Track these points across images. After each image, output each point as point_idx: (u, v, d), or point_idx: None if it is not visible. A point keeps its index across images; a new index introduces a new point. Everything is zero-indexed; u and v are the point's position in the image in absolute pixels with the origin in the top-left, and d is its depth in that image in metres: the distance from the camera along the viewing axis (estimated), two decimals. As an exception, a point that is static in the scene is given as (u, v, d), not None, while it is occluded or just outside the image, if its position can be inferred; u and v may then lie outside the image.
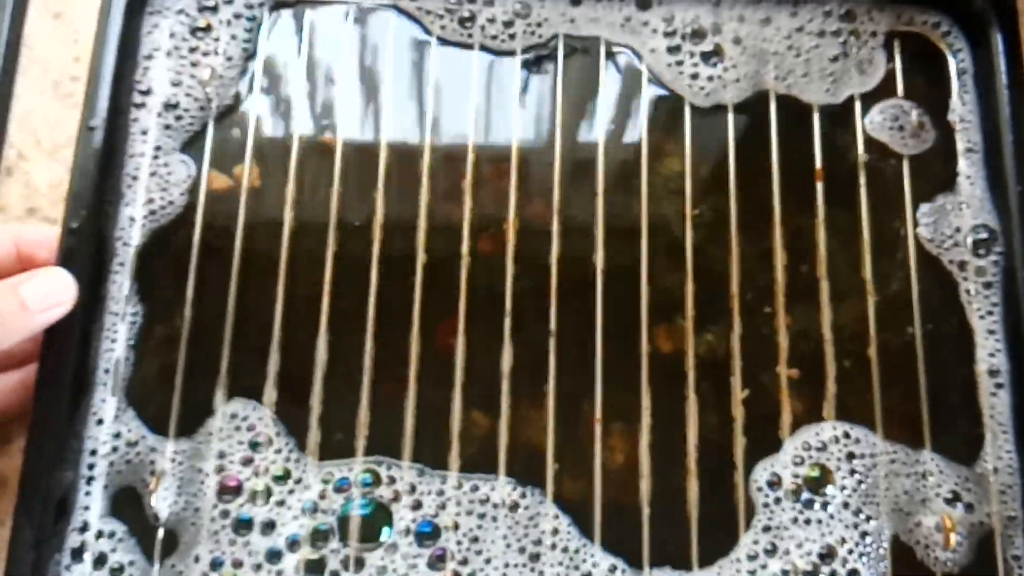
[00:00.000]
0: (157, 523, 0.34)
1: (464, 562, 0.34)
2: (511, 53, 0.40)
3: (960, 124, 0.40)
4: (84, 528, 0.34)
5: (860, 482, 0.35)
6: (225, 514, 0.34)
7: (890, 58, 0.41)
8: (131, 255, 0.37)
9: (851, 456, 0.36)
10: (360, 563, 0.34)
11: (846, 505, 0.35)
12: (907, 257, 0.38)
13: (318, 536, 0.34)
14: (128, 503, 0.35)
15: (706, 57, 0.40)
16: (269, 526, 0.34)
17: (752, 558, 0.35)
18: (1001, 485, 0.36)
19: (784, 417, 0.36)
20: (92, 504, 0.34)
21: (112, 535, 0.34)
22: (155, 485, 0.35)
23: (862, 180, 0.39)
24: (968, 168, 0.39)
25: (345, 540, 0.34)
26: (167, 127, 0.38)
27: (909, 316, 0.37)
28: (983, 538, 0.35)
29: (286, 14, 0.40)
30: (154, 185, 0.38)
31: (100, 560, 0.34)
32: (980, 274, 0.38)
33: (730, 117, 0.40)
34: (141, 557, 0.34)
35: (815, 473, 0.35)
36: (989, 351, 0.37)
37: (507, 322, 0.37)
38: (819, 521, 0.35)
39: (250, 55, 0.40)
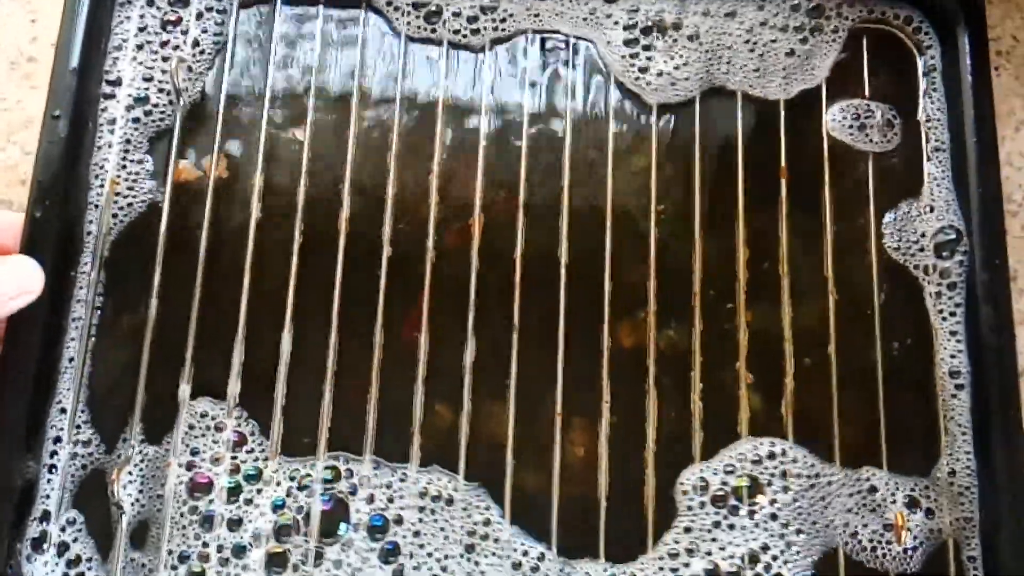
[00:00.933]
0: (120, 513, 0.34)
1: (411, 556, 0.34)
2: (478, 48, 0.40)
3: (927, 123, 0.40)
4: (45, 518, 0.34)
5: (812, 486, 0.36)
6: (194, 509, 0.35)
7: (859, 54, 0.41)
8: (98, 246, 0.37)
9: (785, 474, 0.36)
10: (320, 556, 0.34)
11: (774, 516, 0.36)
12: (870, 260, 0.38)
13: (282, 531, 0.34)
14: (91, 494, 0.35)
15: (667, 52, 0.40)
16: (235, 522, 0.34)
17: (673, 556, 0.35)
18: (958, 487, 0.36)
19: (742, 413, 0.36)
20: (53, 494, 0.34)
21: (73, 524, 0.34)
22: (117, 475, 0.35)
23: (826, 179, 0.39)
24: (935, 168, 0.39)
25: (306, 535, 0.34)
26: (136, 119, 0.38)
27: (871, 315, 0.37)
28: (943, 543, 0.35)
29: (256, 8, 0.40)
30: (122, 176, 0.38)
31: (62, 549, 0.34)
32: (944, 275, 0.38)
33: (696, 112, 0.40)
34: (103, 547, 0.34)
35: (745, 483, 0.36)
36: (950, 352, 0.37)
37: (471, 316, 0.37)
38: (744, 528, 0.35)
39: (220, 48, 0.40)
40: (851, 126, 0.40)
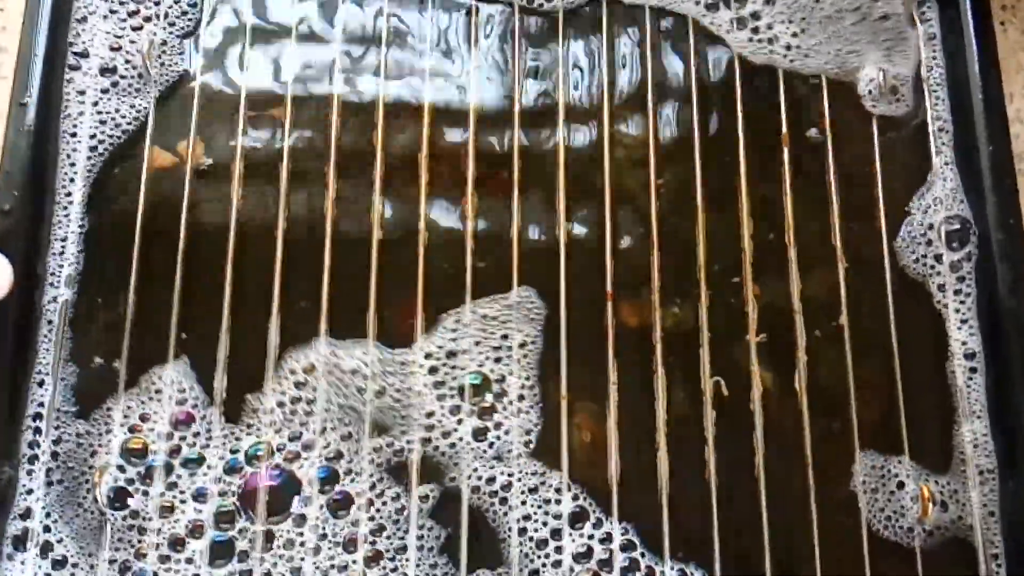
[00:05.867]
0: (104, 518, 0.33)
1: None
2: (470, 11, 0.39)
3: (930, 85, 0.39)
4: (27, 515, 0.33)
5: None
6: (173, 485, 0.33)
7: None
8: (71, 235, 0.35)
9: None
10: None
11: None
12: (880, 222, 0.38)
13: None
14: (71, 492, 0.33)
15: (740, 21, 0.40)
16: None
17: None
18: (977, 466, 0.35)
19: (755, 389, 0.35)
20: (36, 490, 0.33)
21: (55, 523, 0.33)
22: (99, 478, 0.33)
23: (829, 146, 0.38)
24: (941, 135, 0.39)
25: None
26: (104, 91, 0.37)
27: (882, 288, 0.37)
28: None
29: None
30: (94, 163, 0.36)
31: (45, 548, 0.32)
32: (955, 269, 0.37)
33: (693, 83, 0.39)
34: (86, 546, 0.33)
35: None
36: (963, 335, 0.37)
37: (467, 299, 0.36)
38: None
39: (194, 24, 0.38)
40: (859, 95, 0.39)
